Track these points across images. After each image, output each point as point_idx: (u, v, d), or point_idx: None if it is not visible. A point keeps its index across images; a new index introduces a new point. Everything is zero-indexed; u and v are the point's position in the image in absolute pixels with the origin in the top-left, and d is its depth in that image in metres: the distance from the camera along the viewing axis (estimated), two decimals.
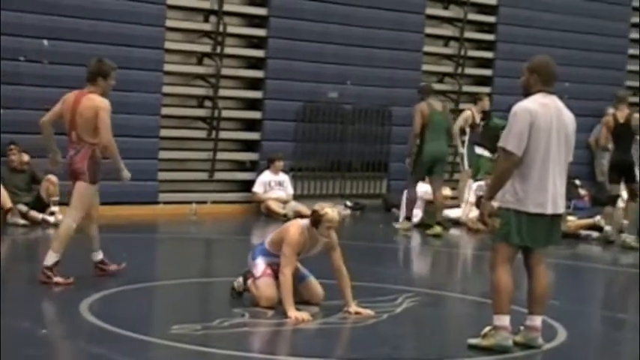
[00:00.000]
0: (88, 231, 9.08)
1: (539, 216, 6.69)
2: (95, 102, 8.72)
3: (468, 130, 15.97)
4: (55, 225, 12.42)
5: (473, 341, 6.83)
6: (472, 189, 14.76)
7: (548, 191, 6.70)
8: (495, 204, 6.88)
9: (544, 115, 6.68)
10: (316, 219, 7.75)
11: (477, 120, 15.97)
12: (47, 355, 6.27)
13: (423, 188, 14.43)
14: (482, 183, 14.58)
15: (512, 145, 6.63)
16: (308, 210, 8.10)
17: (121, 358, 6.19)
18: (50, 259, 8.62)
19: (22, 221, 12.52)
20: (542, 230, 6.77)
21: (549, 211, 6.73)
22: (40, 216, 12.61)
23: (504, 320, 6.72)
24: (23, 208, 12.62)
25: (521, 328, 6.92)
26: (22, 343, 6.49)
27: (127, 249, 11.30)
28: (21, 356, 6.16)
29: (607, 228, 13.45)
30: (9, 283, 9.04)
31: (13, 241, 11.99)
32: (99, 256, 9.12)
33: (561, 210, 6.86)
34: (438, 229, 13.48)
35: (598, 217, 13.93)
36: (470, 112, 16.15)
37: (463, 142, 16.02)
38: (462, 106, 17.81)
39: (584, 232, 13.72)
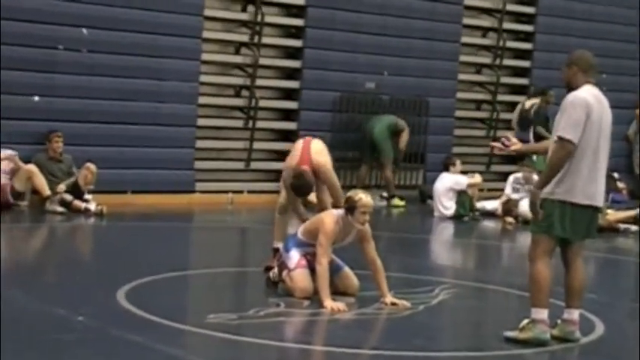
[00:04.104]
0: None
1: (584, 208, 6.65)
2: None
3: None
4: (96, 214, 12.49)
5: (510, 334, 6.72)
6: (509, 181, 14.62)
7: (597, 183, 6.68)
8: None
9: (597, 107, 6.67)
10: (351, 205, 7.70)
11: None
12: (83, 342, 6.22)
13: (454, 179, 14.34)
14: (519, 175, 14.47)
15: (569, 133, 6.56)
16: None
17: (156, 346, 6.14)
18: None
19: (60, 209, 12.54)
20: (584, 223, 6.71)
21: (597, 203, 6.71)
22: (82, 205, 12.59)
23: (542, 313, 6.61)
24: (68, 197, 12.59)
25: (559, 321, 6.80)
26: (58, 329, 6.49)
27: (163, 237, 11.45)
28: (57, 342, 6.17)
29: None
30: (46, 270, 9.12)
31: (50, 228, 12.05)
32: (274, 244, 8.82)
33: (602, 203, 6.84)
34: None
35: None
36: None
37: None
38: (499, 97, 17.71)
39: (622, 226, 13.58)
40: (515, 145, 7.26)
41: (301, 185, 8.53)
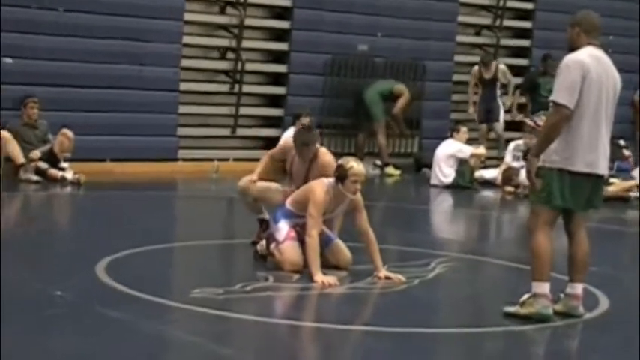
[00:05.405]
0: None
1: (584, 176, 6.49)
2: None
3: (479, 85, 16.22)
4: (73, 183, 12.49)
5: (510, 309, 6.58)
6: (509, 149, 14.36)
7: (598, 150, 6.51)
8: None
9: (596, 68, 6.49)
10: (342, 174, 7.63)
11: (485, 75, 16.06)
12: (61, 317, 6.10)
13: (458, 146, 14.05)
14: (520, 143, 14.22)
15: (563, 97, 6.38)
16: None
17: (138, 322, 6.10)
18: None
19: (34, 177, 12.40)
20: (585, 192, 6.56)
21: (600, 171, 6.54)
22: (59, 174, 12.50)
23: (544, 287, 6.47)
24: (43, 165, 12.51)
25: (561, 295, 6.67)
26: (35, 304, 6.40)
27: (144, 208, 11.48)
28: (35, 317, 6.02)
29: None
30: (23, 242, 8.96)
31: (25, 198, 11.98)
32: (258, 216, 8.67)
33: (605, 171, 6.68)
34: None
35: None
36: (477, 68, 16.19)
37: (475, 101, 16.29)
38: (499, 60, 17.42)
39: (633, 194, 13.41)
40: None
41: (305, 133, 8.40)
